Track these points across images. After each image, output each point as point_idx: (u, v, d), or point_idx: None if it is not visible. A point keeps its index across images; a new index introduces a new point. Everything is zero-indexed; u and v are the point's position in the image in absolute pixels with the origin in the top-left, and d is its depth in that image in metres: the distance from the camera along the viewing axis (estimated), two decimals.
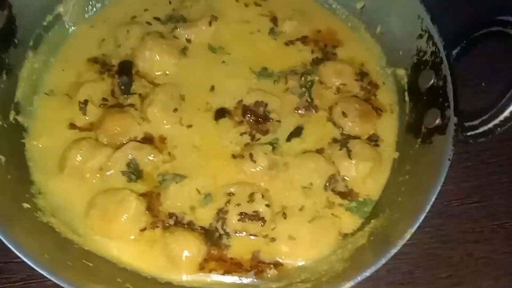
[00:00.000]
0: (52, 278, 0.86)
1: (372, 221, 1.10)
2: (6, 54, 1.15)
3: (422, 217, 0.97)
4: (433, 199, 0.98)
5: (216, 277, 1.06)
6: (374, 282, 1.18)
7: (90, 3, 1.35)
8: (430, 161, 1.08)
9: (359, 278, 0.91)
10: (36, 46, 1.24)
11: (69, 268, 0.93)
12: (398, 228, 0.99)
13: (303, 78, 1.26)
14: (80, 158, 1.11)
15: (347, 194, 1.16)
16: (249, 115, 1.22)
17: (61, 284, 0.87)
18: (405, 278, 1.21)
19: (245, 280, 1.06)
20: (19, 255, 0.88)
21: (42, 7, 1.25)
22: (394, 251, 0.93)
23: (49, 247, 0.96)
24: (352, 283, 0.92)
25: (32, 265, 0.87)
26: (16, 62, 1.18)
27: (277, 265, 1.07)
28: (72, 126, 1.18)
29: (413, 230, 0.95)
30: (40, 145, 1.16)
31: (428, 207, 0.97)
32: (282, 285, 1.04)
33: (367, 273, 0.91)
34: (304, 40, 1.36)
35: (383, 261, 0.93)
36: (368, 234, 1.07)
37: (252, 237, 1.09)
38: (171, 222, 1.09)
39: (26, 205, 1.03)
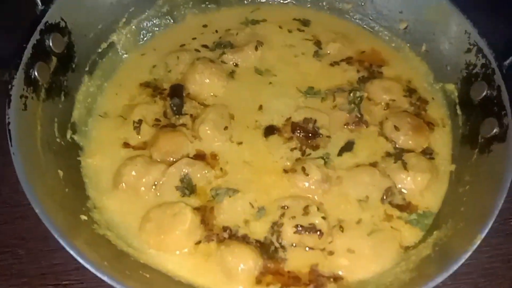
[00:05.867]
0: (112, 284, 0.84)
1: (434, 232, 1.06)
2: (65, 77, 1.20)
3: (491, 222, 0.94)
4: (500, 204, 0.95)
5: None
6: None
7: (141, 33, 1.42)
8: (491, 169, 1.05)
9: (430, 285, 0.86)
10: (91, 71, 1.29)
11: (127, 277, 0.91)
12: (466, 235, 0.94)
13: (351, 94, 1.27)
14: (135, 174, 1.12)
15: (405, 207, 1.12)
16: (298, 131, 1.22)
17: None
18: None
19: None
20: (81, 261, 0.86)
21: (98, 36, 1.31)
22: (465, 256, 0.89)
23: (108, 257, 0.94)
24: None
25: (94, 271, 0.85)
26: (73, 85, 1.23)
27: (337, 278, 1.02)
28: (126, 145, 1.20)
29: (482, 235, 0.92)
30: (94, 163, 1.17)
31: (496, 212, 0.95)
32: None
33: (439, 278, 0.86)
34: (348, 60, 1.38)
35: (455, 267, 0.88)
36: (433, 245, 1.03)
37: (309, 251, 1.06)
38: (226, 235, 1.07)
39: (83, 217, 1.03)
